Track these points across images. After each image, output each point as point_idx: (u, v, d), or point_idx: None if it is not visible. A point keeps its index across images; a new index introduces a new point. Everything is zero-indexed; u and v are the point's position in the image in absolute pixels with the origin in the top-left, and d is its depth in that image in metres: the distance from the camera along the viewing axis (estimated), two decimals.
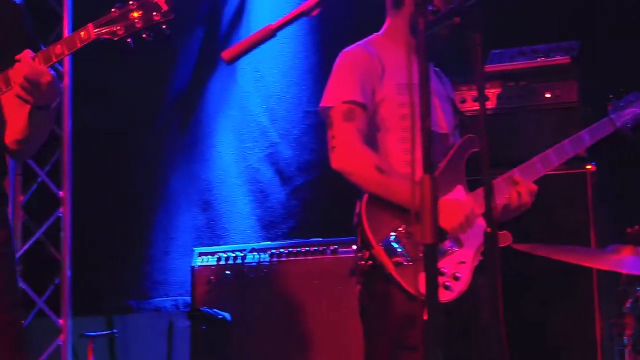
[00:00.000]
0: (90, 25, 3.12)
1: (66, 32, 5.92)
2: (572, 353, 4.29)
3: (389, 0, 3.95)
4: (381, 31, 4.00)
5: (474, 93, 4.58)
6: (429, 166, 2.30)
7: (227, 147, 6.07)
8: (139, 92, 6.08)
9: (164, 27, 3.11)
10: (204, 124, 6.13)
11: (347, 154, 3.68)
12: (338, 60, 3.90)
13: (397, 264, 3.54)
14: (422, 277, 3.53)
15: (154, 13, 3.08)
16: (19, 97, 3.12)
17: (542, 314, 4.39)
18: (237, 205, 5.97)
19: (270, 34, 2.31)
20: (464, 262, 3.65)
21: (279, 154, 5.97)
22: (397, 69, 3.81)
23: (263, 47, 6.18)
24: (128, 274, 6.05)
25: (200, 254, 5.12)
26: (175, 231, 6.01)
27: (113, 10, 3.10)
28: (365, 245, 3.62)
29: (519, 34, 5.04)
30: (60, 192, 5.99)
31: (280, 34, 6.17)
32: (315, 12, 2.33)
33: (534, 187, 3.81)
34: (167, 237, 6.02)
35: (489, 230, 2.64)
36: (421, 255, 3.45)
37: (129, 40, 3.11)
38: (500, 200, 3.76)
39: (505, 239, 3.70)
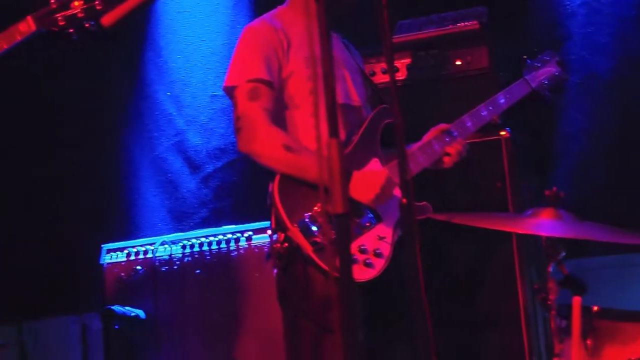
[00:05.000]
0: (29, 17, 3.00)
1: None
2: (496, 321, 4.22)
3: None
4: (285, 3, 3.87)
5: (383, 65, 4.47)
6: (335, 130, 2.12)
7: (132, 138, 5.88)
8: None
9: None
10: (107, 116, 5.91)
11: (253, 135, 3.55)
12: (241, 36, 3.77)
13: (315, 244, 3.40)
14: None
15: (96, 2, 2.95)
16: None
17: (464, 285, 4.31)
18: (147, 197, 5.79)
19: None
20: (384, 238, 3.53)
21: (187, 141, 5.83)
22: (304, 41, 3.67)
23: (165, 32, 6.02)
24: (34, 278, 5.79)
25: (109, 251, 4.96)
26: (83, 228, 5.77)
27: (52, 1, 2.97)
28: (280, 227, 3.50)
29: (427, 3, 4.95)
30: None
31: (181, 16, 6.02)
32: None
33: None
34: (75, 235, 5.77)
35: (404, 201, 2.51)
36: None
37: (71, 31, 2.95)
38: (415, 168, 3.69)
39: (425, 210, 3.61)
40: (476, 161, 4.07)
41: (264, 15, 3.83)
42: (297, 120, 3.67)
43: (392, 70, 2.65)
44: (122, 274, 4.86)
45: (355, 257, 3.46)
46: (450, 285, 4.27)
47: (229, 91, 3.69)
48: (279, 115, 3.64)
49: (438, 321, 2.70)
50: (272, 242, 3.55)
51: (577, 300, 3.34)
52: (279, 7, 3.87)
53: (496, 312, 4.21)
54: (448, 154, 3.80)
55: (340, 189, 2.07)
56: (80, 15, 2.97)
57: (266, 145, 3.53)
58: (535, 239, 3.58)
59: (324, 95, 3.58)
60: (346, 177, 2.13)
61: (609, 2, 5.03)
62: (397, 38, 4.55)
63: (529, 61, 4.04)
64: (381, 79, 4.43)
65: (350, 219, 3.47)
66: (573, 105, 5.02)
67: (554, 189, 3.46)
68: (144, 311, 4.77)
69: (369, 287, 3.45)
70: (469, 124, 3.84)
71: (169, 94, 5.87)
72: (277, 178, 3.52)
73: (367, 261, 3.47)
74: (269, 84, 3.61)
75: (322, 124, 3.55)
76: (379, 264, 3.49)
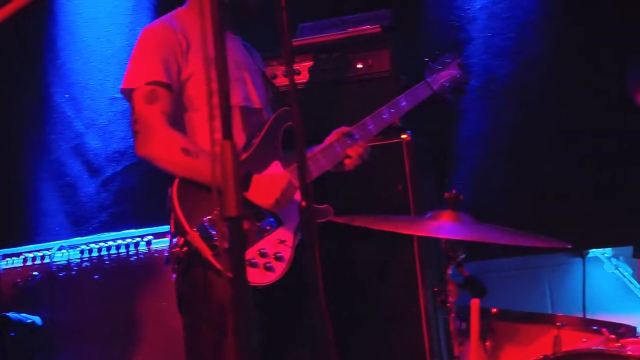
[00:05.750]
0: None
1: None
2: (397, 324, 4.23)
3: None
4: (185, 4, 3.82)
5: (285, 67, 4.43)
6: (228, 132, 2.08)
7: (30, 141, 5.73)
8: None
9: None
10: (4, 118, 5.74)
11: (151, 139, 3.49)
12: (140, 37, 3.71)
13: (214, 248, 3.36)
14: None
15: None
16: None
17: (365, 287, 4.31)
18: (44, 201, 5.65)
19: None
20: (284, 241, 3.52)
21: (86, 144, 5.70)
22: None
23: (63, 33, 5.86)
24: None
25: (5, 256, 4.86)
26: None
27: None
28: (179, 231, 3.46)
29: (329, 6, 4.95)
30: None
31: (80, 17, 5.89)
32: None
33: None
34: None
35: (304, 204, 2.50)
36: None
37: None
38: (317, 171, 3.69)
39: (326, 213, 3.60)
40: (377, 164, 4.08)
41: (163, 16, 3.78)
42: (195, 123, 3.62)
43: (290, 72, 2.62)
44: (18, 279, 4.76)
45: (255, 260, 3.44)
46: (351, 288, 4.26)
47: (127, 93, 3.62)
48: (178, 118, 3.59)
49: (339, 323, 2.68)
50: (171, 246, 3.50)
51: (475, 303, 3.36)
52: (179, 9, 3.82)
53: (397, 315, 4.22)
54: (349, 157, 3.80)
55: (234, 192, 2.03)
56: None
57: (163, 148, 3.48)
58: (435, 241, 3.60)
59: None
60: (241, 180, 2.10)
61: (508, 6, 5.09)
62: (299, 41, 4.54)
63: (430, 63, 4.06)
64: (283, 81, 4.40)
65: (251, 222, 3.47)
66: (473, 109, 5.06)
67: (454, 191, 3.48)
68: (41, 318, 4.68)
69: (269, 290, 3.42)
70: (370, 127, 3.84)
71: (67, 96, 5.74)
72: (176, 182, 3.48)
73: (268, 265, 3.45)
74: (167, 86, 3.56)
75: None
76: (280, 268, 3.48)
